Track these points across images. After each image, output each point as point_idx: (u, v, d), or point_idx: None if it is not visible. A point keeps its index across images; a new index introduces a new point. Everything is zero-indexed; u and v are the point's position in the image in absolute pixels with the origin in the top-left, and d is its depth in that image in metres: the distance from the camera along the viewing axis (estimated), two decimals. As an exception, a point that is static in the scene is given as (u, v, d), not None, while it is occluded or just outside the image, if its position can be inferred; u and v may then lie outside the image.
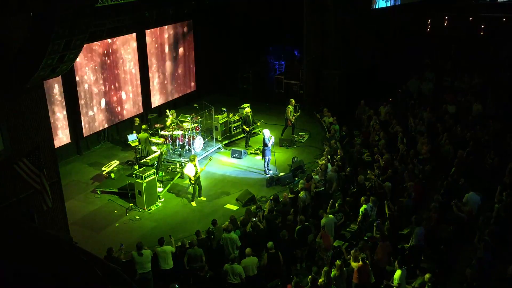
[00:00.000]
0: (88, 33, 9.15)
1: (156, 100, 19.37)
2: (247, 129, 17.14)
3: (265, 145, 15.12)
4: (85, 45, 11.33)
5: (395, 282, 9.60)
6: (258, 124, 17.94)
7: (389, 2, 22.15)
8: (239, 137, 17.90)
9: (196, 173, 13.64)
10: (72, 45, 8.91)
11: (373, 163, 14.47)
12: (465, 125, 16.00)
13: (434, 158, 14.61)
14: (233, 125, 18.00)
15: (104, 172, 15.01)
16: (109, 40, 16.72)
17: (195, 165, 13.67)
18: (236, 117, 18.09)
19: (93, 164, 16.04)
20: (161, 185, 14.41)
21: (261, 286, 10.30)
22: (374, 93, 19.45)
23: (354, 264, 9.92)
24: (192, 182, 13.71)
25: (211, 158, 15.01)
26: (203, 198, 14.01)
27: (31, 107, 9.91)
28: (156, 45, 18.90)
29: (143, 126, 15.63)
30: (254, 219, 11.57)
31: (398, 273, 9.63)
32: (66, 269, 2.98)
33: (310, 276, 9.64)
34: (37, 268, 3.00)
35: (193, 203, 13.82)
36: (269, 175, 15.11)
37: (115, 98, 17.43)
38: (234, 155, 16.54)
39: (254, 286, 10.29)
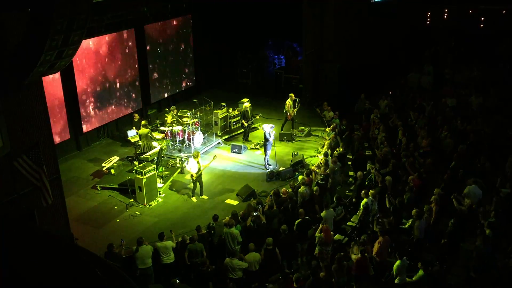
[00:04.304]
0: (86, 28, 9.10)
1: (155, 95, 19.32)
2: (246, 124, 17.11)
3: (266, 139, 15.09)
4: (83, 41, 11.27)
5: (394, 272, 9.63)
6: (257, 117, 17.91)
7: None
8: (238, 132, 17.89)
9: (198, 170, 13.51)
10: (70, 40, 8.85)
11: (374, 156, 14.43)
12: (465, 118, 15.94)
13: (434, 151, 14.58)
14: (233, 120, 17.97)
15: (104, 168, 15.00)
16: (108, 36, 16.65)
17: (198, 162, 13.55)
18: (236, 112, 18.05)
19: (93, 160, 16.03)
20: (161, 180, 14.40)
21: (262, 281, 10.31)
22: (374, 87, 19.39)
23: (353, 257, 9.95)
24: (194, 179, 13.60)
25: (215, 156, 14.55)
26: (205, 197, 13.85)
27: (29, 103, 9.86)
28: (155, 40, 18.83)
29: (143, 122, 15.60)
30: (254, 213, 11.56)
31: (397, 263, 9.67)
32: (65, 269, 2.97)
33: (310, 271, 9.64)
34: (36, 268, 2.98)
35: (193, 199, 13.80)
36: (269, 170, 15.10)
37: (114, 94, 17.38)
38: (234, 150, 16.52)
39: (255, 281, 10.30)
